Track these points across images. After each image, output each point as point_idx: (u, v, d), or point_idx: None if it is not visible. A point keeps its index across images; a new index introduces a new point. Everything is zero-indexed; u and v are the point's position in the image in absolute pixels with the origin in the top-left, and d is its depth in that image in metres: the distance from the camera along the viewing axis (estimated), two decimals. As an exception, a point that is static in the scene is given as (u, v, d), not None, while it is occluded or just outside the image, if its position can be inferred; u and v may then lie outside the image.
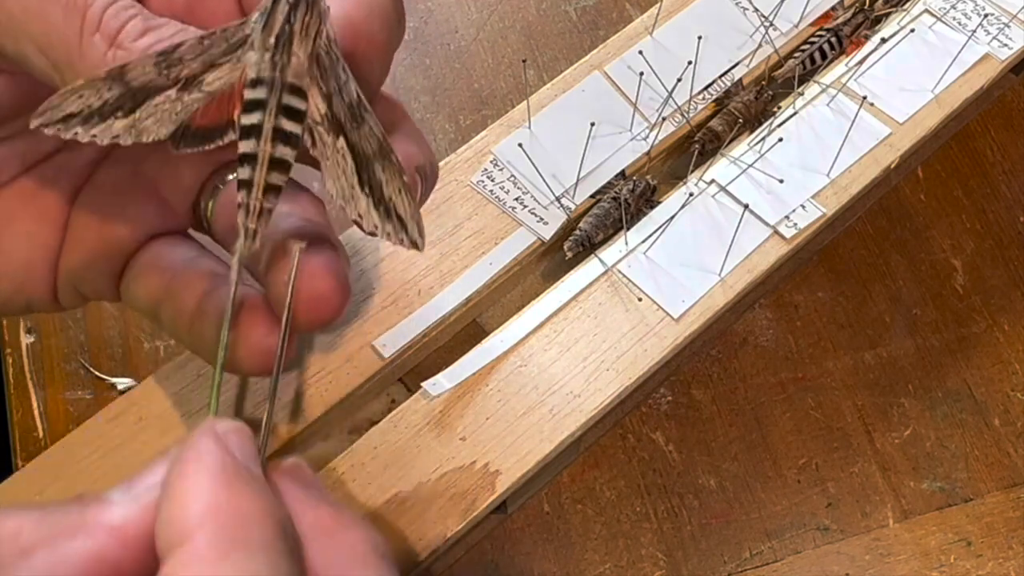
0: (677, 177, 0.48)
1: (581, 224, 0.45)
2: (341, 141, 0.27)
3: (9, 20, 0.26)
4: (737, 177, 0.46)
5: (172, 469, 0.24)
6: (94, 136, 0.26)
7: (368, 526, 0.26)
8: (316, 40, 0.26)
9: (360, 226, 0.27)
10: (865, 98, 0.47)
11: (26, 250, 0.31)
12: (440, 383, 0.40)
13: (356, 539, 0.25)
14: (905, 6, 0.52)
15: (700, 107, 0.49)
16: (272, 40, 0.26)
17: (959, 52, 0.49)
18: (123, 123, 0.26)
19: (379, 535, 0.25)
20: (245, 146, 0.26)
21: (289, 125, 0.26)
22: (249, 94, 0.26)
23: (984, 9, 0.51)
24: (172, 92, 0.26)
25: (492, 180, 0.46)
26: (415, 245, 0.28)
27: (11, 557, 0.23)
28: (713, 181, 0.46)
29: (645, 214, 0.45)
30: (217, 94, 0.26)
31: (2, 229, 0.30)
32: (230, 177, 0.30)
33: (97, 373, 0.48)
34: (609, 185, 0.46)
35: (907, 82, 0.49)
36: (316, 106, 0.26)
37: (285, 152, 0.26)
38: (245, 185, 0.26)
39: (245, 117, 0.26)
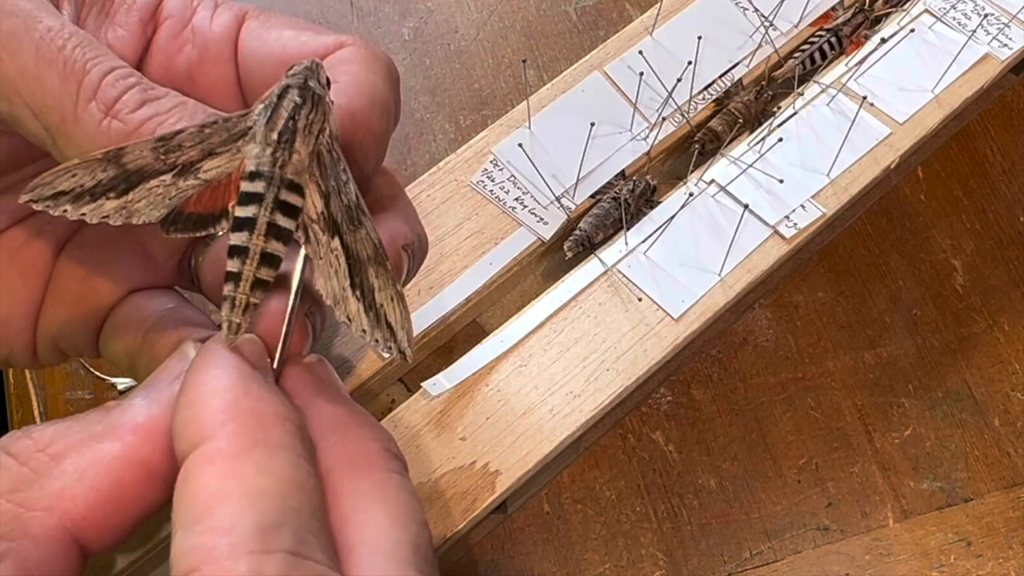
0: (677, 177, 0.48)
1: (581, 224, 0.45)
2: (336, 242, 0.27)
3: (4, 82, 0.25)
4: (737, 177, 0.46)
5: (188, 373, 0.24)
6: (83, 215, 0.26)
7: (380, 426, 0.26)
8: (319, 138, 0.26)
9: (348, 326, 0.27)
10: (865, 98, 0.47)
11: (7, 304, 0.30)
12: (440, 383, 0.40)
13: (368, 436, 0.26)
14: (905, 6, 0.52)
15: (700, 107, 0.49)
16: (275, 136, 0.26)
17: (959, 52, 0.49)
18: (114, 204, 0.26)
19: (390, 435, 0.26)
20: (237, 238, 0.26)
21: (284, 221, 0.26)
22: (247, 187, 0.26)
23: (984, 9, 0.51)
24: (167, 177, 0.26)
25: (492, 180, 0.46)
26: (403, 356, 0.28)
27: (44, 465, 0.23)
28: (713, 181, 0.46)
29: (645, 214, 0.45)
30: (213, 182, 0.26)
31: None
32: (220, 232, 0.30)
33: (97, 373, 0.48)
34: (609, 185, 0.46)
35: (907, 82, 0.49)
36: (313, 204, 0.26)
37: (277, 247, 0.26)
38: (233, 278, 0.26)
39: (240, 209, 0.26)
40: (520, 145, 0.45)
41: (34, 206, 0.26)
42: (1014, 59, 0.51)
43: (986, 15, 0.51)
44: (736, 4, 0.51)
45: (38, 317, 0.31)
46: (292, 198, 0.26)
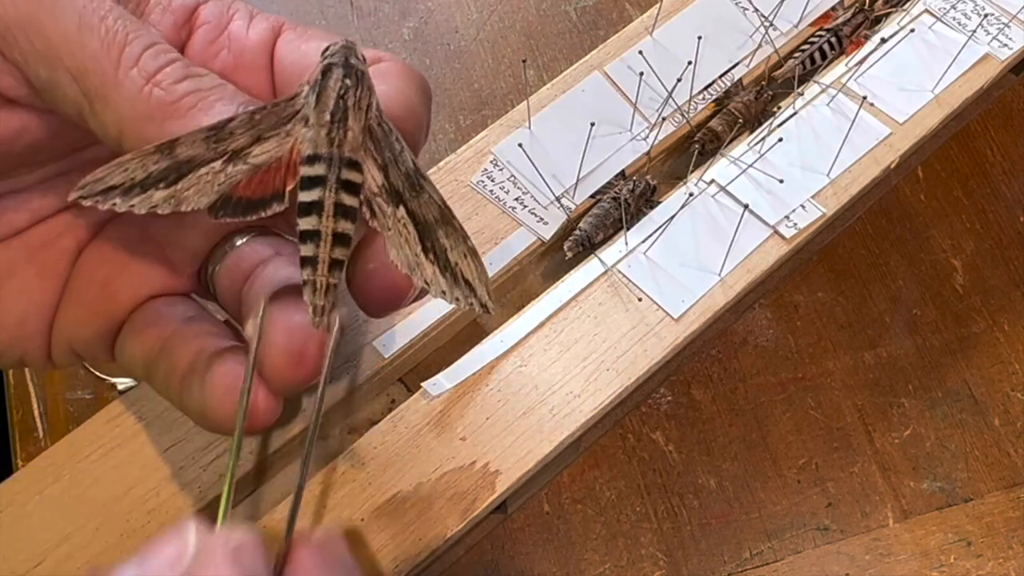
0: (677, 177, 0.48)
1: (581, 224, 0.45)
2: (401, 211, 0.27)
3: (46, 47, 0.25)
4: (737, 177, 0.46)
5: None
6: (132, 206, 0.26)
7: None
8: (368, 113, 0.26)
9: (428, 291, 0.27)
10: (865, 98, 0.47)
11: (23, 305, 0.30)
12: (440, 383, 0.40)
13: None
14: (905, 6, 0.52)
15: (700, 107, 0.49)
16: (328, 116, 0.26)
17: (959, 52, 0.49)
18: (163, 193, 0.26)
19: None
20: (306, 223, 0.26)
21: (348, 199, 0.26)
22: (307, 171, 0.26)
23: (984, 9, 0.51)
24: (217, 164, 0.26)
25: (492, 180, 0.46)
26: (485, 308, 0.28)
27: None
28: (713, 181, 0.46)
29: (645, 214, 0.45)
30: (262, 167, 0.26)
31: (1, 282, 0.30)
32: (239, 242, 0.30)
33: (97, 373, 0.48)
34: (609, 185, 0.46)
35: (907, 82, 0.49)
36: (373, 178, 0.26)
37: (346, 227, 0.26)
38: (310, 262, 0.26)
39: (305, 194, 0.26)
40: (520, 145, 0.45)
41: (84, 203, 0.26)
42: (1014, 59, 0.51)
43: (986, 15, 0.51)
44: (736, 4, 0.51)
45: (54, 319, 0.31)
46: (353, 175, 0.26)
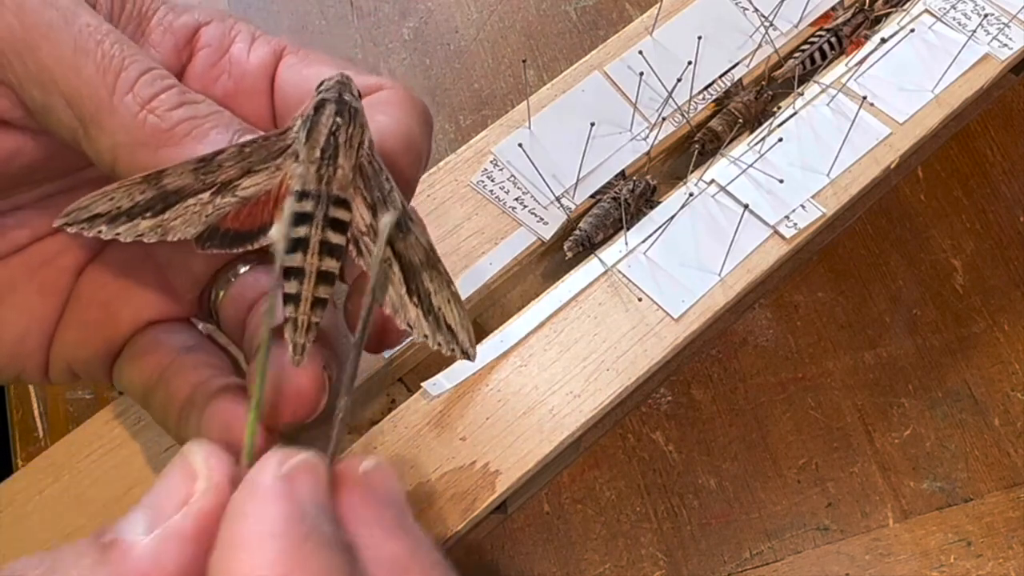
0: (677, 177, 0.48)
1: (581, 224, 0.45)
2: (387, 251, 0.27)
3: (41, 70, 0.25)
4: (737, 177, 0.46)
5: (232, 520, 0.21)
6: (118, 234, 0.26)
7: (445, 566, 0.23)
8: (359, 151, 0.26)
9: (410, 334, 0.27)
10: (865, 98, 0.47)
11: (23, 322, 0.30)
12: (440, 383, 0.40)
13: None
14: (905, 6, 0.52)
15: (700, 107, 0.49)
16: (318, 153, 0.26)
17: (959, 52, 0.49)
18: (150, 223, 0.26)
19: None
20: (292, 260, 0.25)
21: (335, 238, 0.26)
22: (295, 207, 0.26)
23: (984, 9, 0.51)
24: (205, 195, 0.26)
25: (492, 180, 0.46)
26: (467, 355, 0.28)
27: None
28: (713, 181, 0.46)
29: (645, 214, 0.45)
30: (251, 200, 0.26)
31: (2, 298, 0.30)
32: (242, 270, 0.30)
33: (97, 373, 0.48)
34: (609, 185, 0.46)
35: (907, 82, 0.49)
36: (361, 216, 0.26)
37: (331, 265, 0.26)
38: (292, 300, 0.26)
39: (292, 231, 0.25)
40: (520, 145, 0.45)
41: (68, 230, 0.26)
42: (1014, 59, 0.51)
43: (986, 15, 0.51)
44: (736, 4, 0.51)
45: (54, 337, 0.31)
46: (340, 213, 0.26)
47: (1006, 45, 0.50)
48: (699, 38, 0.48)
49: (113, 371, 0.31)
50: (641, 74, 0.47)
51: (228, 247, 0.26)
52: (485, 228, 0.45)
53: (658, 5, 0.50)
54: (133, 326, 0.30)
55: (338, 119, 0.26)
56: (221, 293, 0.30)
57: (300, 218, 0.26)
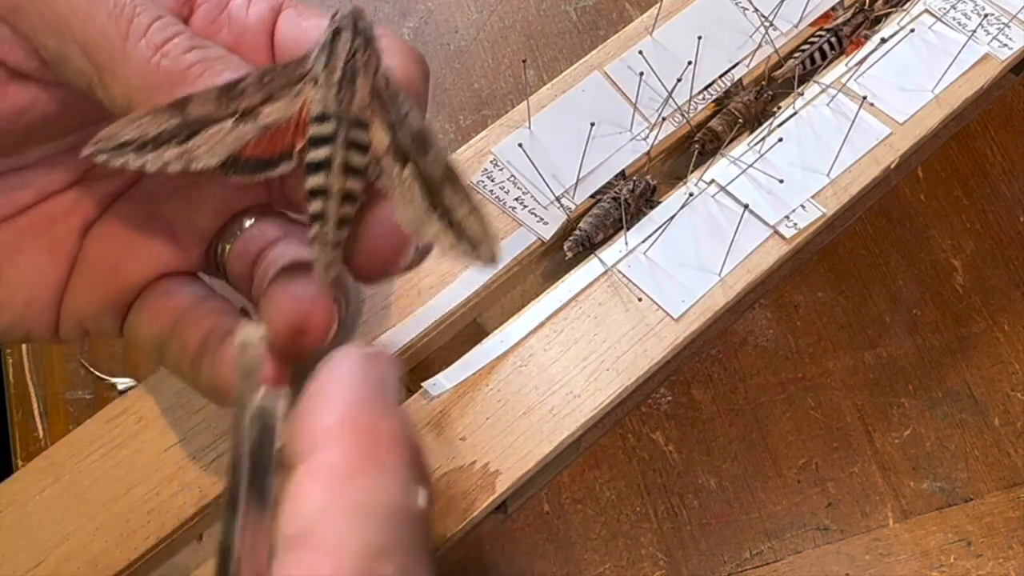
0: (677, 177, 0.48)
1: (581, 224, 0.45)
2: (408, 170, 0.27)
3: (57, 19, 0.26)
4: (737, 177, 0.46)
5: (314, 383, 0.24)
6: (144, 163, 0.26)
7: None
8: (375, 75, 0.27)
9: (434, 248, 0.28)
10: (865, 98, 0.47)
11: (31, 282, 0.30)
12: (440, 383, 0.40)
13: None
14: (905, 6, 0.52)
15: (700, 107, 0.49)
16: (336, 77, 0.26)
17: (959, 52, 0.49)
18: (175, 151, 0.26)
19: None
20: (314, 180, 0.26)
21: (357, 158, 0.26)
22: (316, 129, 0.26)
23: (984, 9, 0.51)
24: (228, 123, 0.26)
25: (492, 180, 0.46)
26: (492, 261, 0.28)
27: None
28: (713, 181, 0.46)
29: (645, 214, 0.45)
30: (272, 127, 0.27)
31: (8, 259, 0.30)
32: (248, 223, 0.30)
33: (97, 373, 0.48)
34: (609, 185, 0.46)
35: (907, 82, 0.49)
36: (380, 137, 0.27)
37: (354, 185, 0.26)
38: (318, 218, 0.26)
39: (313, 152, 0.26)
40: (520, 145, 0.45)
41: (96, 159, 0.26)
42: (1014, 59, 0.51)
43: (986, 15, 0.51)
44: (736, 4, 0.51)
45: (63, 295, 0.31)
46: (361, 134, 0.26)
47: (1006, 45, 0.50)
48: (699, 38, 0.48)
49: (124, 325, 0.31)
50: (641, 74, 0.47)
51: (251, 174, 0.27)
52: (485, 228, 0.45)
53: (658, 5, 0.50)
54: (143, 280, 0.31)
55: (355, 44, 0.26)
56: (227, 247, 0.31)
57: (322, 139, 0.26)
